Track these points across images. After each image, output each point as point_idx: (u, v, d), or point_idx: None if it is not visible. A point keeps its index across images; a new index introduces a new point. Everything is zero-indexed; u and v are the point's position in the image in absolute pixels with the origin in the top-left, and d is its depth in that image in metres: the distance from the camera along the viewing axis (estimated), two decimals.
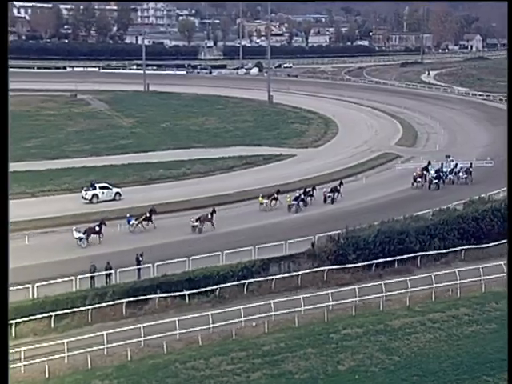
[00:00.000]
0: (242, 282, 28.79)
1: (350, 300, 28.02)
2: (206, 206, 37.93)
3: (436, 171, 45.10)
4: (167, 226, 35.79)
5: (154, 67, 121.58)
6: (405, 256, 31.91)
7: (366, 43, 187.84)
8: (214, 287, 28.26)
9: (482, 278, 30.20)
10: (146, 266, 29.18)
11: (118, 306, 26.66)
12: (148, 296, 27.32)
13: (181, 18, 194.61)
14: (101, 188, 41.27)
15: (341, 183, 42.85)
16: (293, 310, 26.92)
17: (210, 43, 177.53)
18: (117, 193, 41.49)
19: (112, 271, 28.59)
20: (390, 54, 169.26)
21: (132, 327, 24.97)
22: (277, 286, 29.40)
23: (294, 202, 39.45)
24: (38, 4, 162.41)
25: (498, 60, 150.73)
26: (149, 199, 39.76)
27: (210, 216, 35.51)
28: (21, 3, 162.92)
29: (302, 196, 40.10)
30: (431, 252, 32.94)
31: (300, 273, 29.94)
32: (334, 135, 66.34)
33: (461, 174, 45.62)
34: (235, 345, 24.88)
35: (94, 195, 40.80)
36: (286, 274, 29.92)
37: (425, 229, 33.52)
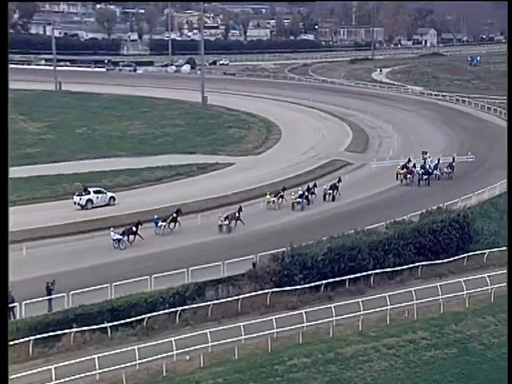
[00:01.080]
0: (174, 309, 28.62)
1: (296, 326, 28.36)
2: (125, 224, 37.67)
3: (422, 167, 50.09)
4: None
5: (67, 63, 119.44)
6: (357, 275, 32.77)
7: (311, 37, 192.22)
8: (142, 317, 27.99)
9: (441, 296, 31.34)
10: (60, 295, 28.50)
11: (23, 344, 25.81)
12: (60, 331, 26.66)
13: (99, 6, 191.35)
14: (95, 192, 42.91)
15: (339, 180, 46.76)
16: (232, 339, 26.98)
17: (134, 36, 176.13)
18: (111, 197, 43.60)
19: (16, 304, 27.69)
20: (338, 50, 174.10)
21: (40, 369, 24.28)
22: (214, 312, 29.44)
23: (298, 200, 43.36)
24: None
25: (454, 56, 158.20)
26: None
27: (237, 214, 39.31)
28: None
29: (306, 193, 44.06)
30: (385, 270, 33.93)
31: (240, 297, 30.11)
32: (276, 141, 67.38)
33: (445, 169, 51.18)
34: (166, 383, 24.65)
35: (88, 200, 42.27)
36: (225, 299, 29.99)
37: (378, 244, 34.51)
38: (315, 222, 40.58)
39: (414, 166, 50.71)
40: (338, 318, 29.02)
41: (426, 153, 54.60)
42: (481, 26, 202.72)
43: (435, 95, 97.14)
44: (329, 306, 29.55)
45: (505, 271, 33.58)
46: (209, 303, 29.49)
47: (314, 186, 45.59)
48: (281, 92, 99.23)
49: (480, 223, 41.05)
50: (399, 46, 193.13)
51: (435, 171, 50.66)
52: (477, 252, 36.74)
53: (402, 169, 50.61)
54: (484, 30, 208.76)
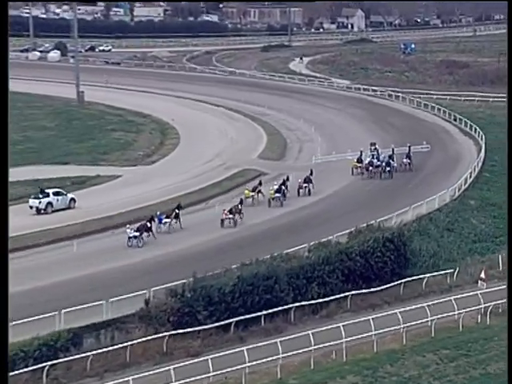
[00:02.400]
0: (41, 365, 27.92)
1: (200, 377, 28.39)
2: None
3: (377, 158, 57.14)
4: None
5: None
6: (274, 309, 33.31)
7: (214, 19, 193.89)
8: None
9: (374, 332, 32.29)
10: None
11: None
12: None
13: None
14: (55, 194, 46.35)
15: (311, 173, 52.72)
16: None
17: None
18: (71, 199, 47.40)
19: None
20: (248, 35, 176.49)
21: None
22: (94, 365, 28.99)
23: (277, 195, 48.77)
24: None
25: (384, 43, 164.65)
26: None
27: (240, 207, 45.25)
28: None
29: (283, 187, 49.60)
30: (308, 302, 34.65)
31: (129, 343, 29.86)
32: (174, 147, 67.55)
33: (404, 160, 58.52)
34: None
35: (48, 204, 45.52)
36: (110, 348, 29.68)
37: (299, 271, 35.27)
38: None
39: (361, 161, 57.41)
40: (251, 363, 29.24)
41: (374, 144, 60.48)
42: (415, 7, 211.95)
43: (364, 90, 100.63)
44: (240, 349, 29.77)
45: (447, 299, 35.39)
46: (88, 354, 29.00)
47: (287, 179, 51.21)
48: (178, 86, 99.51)
49: (418, 243, 42.82)
50: (321, 30, 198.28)
51: (393, 163, 57.28)
52: (414, 277, 38.22)
53: (358, 162, 56.95)
54: (418, 13, 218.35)
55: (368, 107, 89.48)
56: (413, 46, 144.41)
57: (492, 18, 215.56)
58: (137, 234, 40.79)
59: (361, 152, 58.72)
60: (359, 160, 57.58)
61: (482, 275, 37.56)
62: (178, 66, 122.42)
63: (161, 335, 30.71)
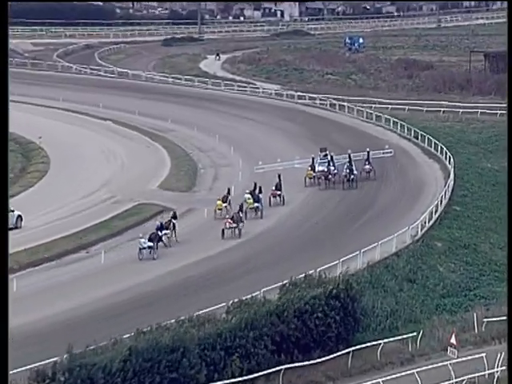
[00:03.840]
0: None
1: None
2: None
3: (332, 166, 65.09)
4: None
5: None
6: None
7: (99, 3, 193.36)
8: None
9: None
10: None
11: None
12: None
13: None
14: None
15: (279, 176, 60.56)
16: None
17: None
18: (18, 216, 53.01)
19: None
20: (144, 23, 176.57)
21: None
22: None
23: (256, 205, 56.95)
24: None
25: (325, 37, 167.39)
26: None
27: (240, 214, 53.39)
28: None
29: (259, 195, 57.69)
30: (227, 381, 34.62)
31: None
32: (41, 174, 67.62)
33: (366, 166, 66.68)
34: None
35: None
36: None
37: (215, 339, 35.33)
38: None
39: (314, 169, 65.08)
40: None
41: (325, 149, 68.30)
42: None
43: (299, 97, 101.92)
44: None
45: (409, 372, 36.05)
46: None
47: (255, 188, 58.71)
48: (48, 92, 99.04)
49: (370, 298, 43.56)
50: (242, 19, 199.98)
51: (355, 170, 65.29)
52: (367, 344, 38.74)
53: (313, 170, 64.84)
54: None
55: (304, 120, 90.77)
56: (361, 40, 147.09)
57: (460, 6, 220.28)
58: (151, 244, 48.16)
59: (312, 159, 65.98)
60: (313, 168, 64.97)
61: (453, 340, 38.25)
62: (47, 65, 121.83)
63: None
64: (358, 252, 47.39)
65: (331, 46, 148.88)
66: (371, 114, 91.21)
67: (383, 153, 71.71)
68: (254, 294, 39.89)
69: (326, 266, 44.47)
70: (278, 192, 59.57)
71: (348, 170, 64.29)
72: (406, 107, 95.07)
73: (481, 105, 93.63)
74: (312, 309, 38.33)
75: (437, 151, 74.96)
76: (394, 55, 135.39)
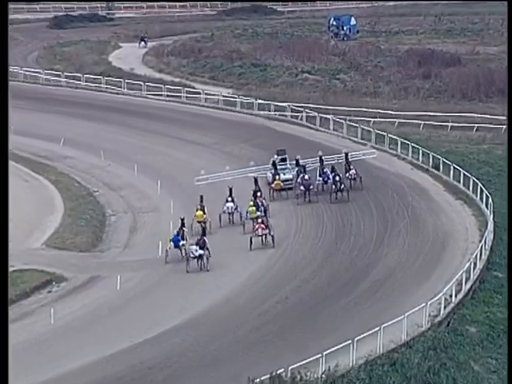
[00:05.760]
0: None
1: None
2: None
3: (303, 172, 73.89)
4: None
5: None
6: None
7: None
8: None
9: None
10: None
11: None
12: None
13: None
14: None
15: (230, 191, 69.64)
16: None
17: None
18: None
19: None
20: None
21: None
22: None
23: (258, 213, 65.79)
24: None
25: (298, 17, 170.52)
26: None
27: (267, 221, 64.15)
28: None
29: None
30: None
31: None
32: None
33: (352, 171, 75.69)
34: None
35: None
36: None
37: None
38: None
39: (300, 172, 74.25)
40: None
41: (283, 151, 78.18)
42: None
43: (261, 107, 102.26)
44: None
45: None
46: None
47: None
48: None
49: None
50: None
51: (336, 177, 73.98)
52: None
53: (281, 180, 74.49)
54: None
55: (269, 141, 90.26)
56: (353, 21, 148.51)
57: None
58: (202, 252, 57.25)
59: (274, 163, 75.20)
60: (276, 176, 74.24)
61: None
62: None
63: None
64: (350, 341, 46.79)
65: (309, 31, 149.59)
66: (369, 131, 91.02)
67: (363, 154, 77.43)
68: None
69: (305, 361, 44.26)
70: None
71: (335, 179, 72.82)
72: (422, 122, 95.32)
73: None
74: None
75: (468, 188, 74.96)
76: (403, 44, 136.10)
